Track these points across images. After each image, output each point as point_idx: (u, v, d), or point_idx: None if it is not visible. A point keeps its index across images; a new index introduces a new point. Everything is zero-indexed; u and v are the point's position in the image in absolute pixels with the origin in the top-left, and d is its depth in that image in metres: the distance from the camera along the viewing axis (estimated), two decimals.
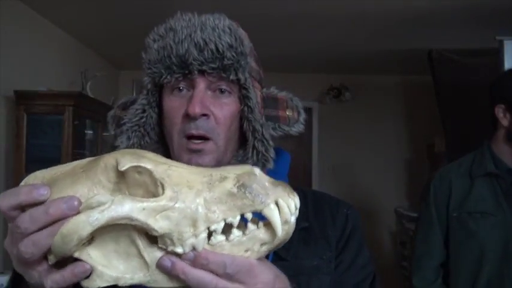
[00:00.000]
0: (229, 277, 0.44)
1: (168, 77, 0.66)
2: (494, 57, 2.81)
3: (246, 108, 0.70)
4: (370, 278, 0.73)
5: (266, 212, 0.45)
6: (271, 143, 0.71)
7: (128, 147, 0.71)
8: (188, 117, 0.66)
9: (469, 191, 1.45)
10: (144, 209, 0.42)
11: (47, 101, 2.75)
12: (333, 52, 3.98)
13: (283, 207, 0.45)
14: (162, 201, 0.42)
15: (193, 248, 0.44)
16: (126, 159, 0.44)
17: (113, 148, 0.69)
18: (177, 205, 0.43)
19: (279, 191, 0.46)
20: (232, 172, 0.46)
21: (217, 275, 0.44)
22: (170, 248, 0.43)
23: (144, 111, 0.72)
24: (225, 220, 0.44)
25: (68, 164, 0.49)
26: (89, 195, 0.43)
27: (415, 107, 4.77)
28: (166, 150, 0.72)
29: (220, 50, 0.65)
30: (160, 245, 0.44)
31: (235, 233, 0.46)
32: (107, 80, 4.01)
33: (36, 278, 0.45)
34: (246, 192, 0.45)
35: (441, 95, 3.54)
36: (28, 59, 2.87)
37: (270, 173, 0.67)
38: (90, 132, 3.28)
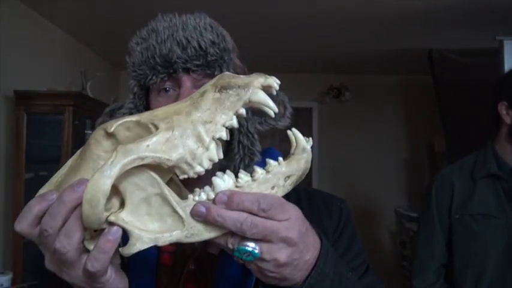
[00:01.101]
0: (263, 213, 0.45)
1: (154, 77, 0.67)
2: (494, 57, 2.81)
3: None
4: (363, 266, 0.74)
5: (254, 98, 0.46)
6: (256, 136, 0.72)
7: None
8: None
9: (471, 192, 1.44)
10: (148, 145, 0.43)
11: (47, 101, 2.74)
12: (333, 52, 3.98)
13: (298, 136, 0.50)
14: (160, 133, 0.44)
15: (210, 160, 0.45)
16: (112, 122, 0.45)
17: None
18: (175, 132, 0.44)
19: (255, 77, 0.47)
20: (208, 84, 0.48)
21: (251, 213, 0.45)
22: (191, 172, 0.45)
23: (131, 114, 0.71)
24: (224, 125, 0.46)
25: (63, 167, 0.50)
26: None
27: (415, 107, 4.77)
28: None
29: (203, 47, 0.66)
30: (181, 176, 0.45)
31: (259, 171, 0.48)
32: (107, 80, 4.01)
33: (80, 276, 0.45)
34: (229, 91, 0.46)
35: (441, 95, 3.55)
36: (28, 59, 2.86)
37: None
38: (90, 132, 3.27)
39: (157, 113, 0.46)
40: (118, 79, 4.68)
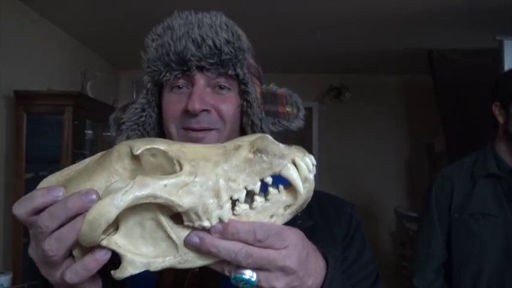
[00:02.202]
0: (259, 243, 0.44)
1: (167, 74, 0.66)
2: (494, 57, 2.81)
3: (245, 103, 0.70)
4: (373, 275, 0.73)
5: (285, 173, 0.45)
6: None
7: None
8: (188, 113, 0.66)
9: (470, 192, 1.45)
10: (166, 185, 0.41)
11: (47, 101, 2.75)
12: (333, 52, 3.98)
13: (301, 165, 0.45)
14: (181, 176, 0.42)
15: (220, 220, 0.43)
16: (140, 143, 0.44)
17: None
18: (197, 179, 0.42)
19: (294, 151, 0.46)
20: (245, 140, 0.46)
21: (247, 243, 0.44)
22: (197, 223, 0.43)
23: (143, 110, 0.71)
24: (246, 188, 0.44)
25: (79, 163, 0.49)
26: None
27: (415, 107, 4.77)
28: None
29: (218, 46, 0.66)
30: (186, 223, 0.43)
31: (258, 199, 0.46)
32: (106, 80, 4.01)
33: (58, 279, 0.44)
34: (263, 156, 0.44)
35: (441, 95, 3.55)
36: (28, 59, 2.87)
37: None
38: (90, 132, 3.28)
39: (186, 150, 0.45)
40: (118, 79, 4.68)
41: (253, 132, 0.70)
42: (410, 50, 3.74)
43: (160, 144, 0.44)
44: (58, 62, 3.30)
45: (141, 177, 0.41)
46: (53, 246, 0.42)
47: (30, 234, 0.45)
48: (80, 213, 0.41)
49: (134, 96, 5.12)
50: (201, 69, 0.66)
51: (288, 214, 0.47)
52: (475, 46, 3.37)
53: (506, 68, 2.66)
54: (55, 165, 2.65)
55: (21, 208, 0.44)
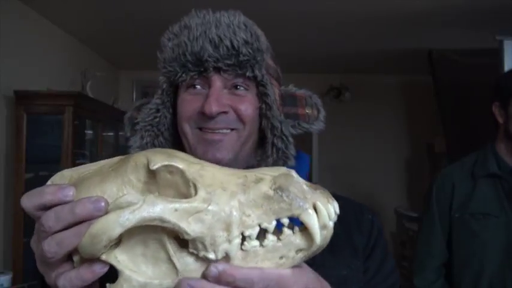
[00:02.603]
0: None
1: (183, 75, 0.65)
2: (494, 57, 2.81)
3: (264, 106, 0.68)
4: (396, 286, 0.72)
5: (304, 217, 0.42)
6: (291, 139, 0.70)
7: (140, 146, 0.70)
8: (204, 115, 0.64)
9: (471, 191, 1.45)
10: (176, 210, 0.39)
11: (47, 101, 2.75)
12: (333, 52, 3.98)
13: (322, 211, 0.42)
14: (195, 203, 0.40)
15: (226, 255, 0.41)
16: (158, 158, 0.42)
17: (125, 149, 0.69)
18: (210, 207, 0.40)
19: (318, 196, 0.43)
20: (268, 174, 0.43)
21: None
22: (202, 254, 0.41)
23: (158, 110, 0.70)
24: (259, 225, 0.42)
25: (96, 162, 0.47)
26: (118, 195, 0.41)
27: (415, 107, 4.77)
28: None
29: (236, 46, 0.64)
30: (191, 250, 0.41)
31: (270, 238, 0.43)
32: (106, 80, 4.01)
33: (53, 280, 0.43)
34: (283, 195, 0.42)
35: (441, 95, 3.55)
36: (28, 59, 2.87)
37: None
38: (90, 132, 3.28)
39: (205, 174, 0.42)
40: (118, 79, 4.68)
41: (274, 135, 0.69)
42: (410, 50, 3.74)
43: (179, 162, 0.42)
44: (58, 62, 3.30)
45: (151, 198, 0.39)
46: (53, 248, 0.41)
47: (35, 227, 0.45)
48: (86, 220, 0.40)
49: (134, 96, 5.09)
50: (217, 70, 0.65)
51: (298, 258, 0.44)
52: (475, 46, 3.37)
53: (506, 68, 2.66)
54: (55, 165, 2.65)
55: (29, 202, 0.43)
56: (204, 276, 0.41)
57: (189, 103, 0.67)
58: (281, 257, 0.43)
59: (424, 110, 4.58)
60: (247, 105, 0.67)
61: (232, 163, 0.65)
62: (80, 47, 3.69)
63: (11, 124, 2.69)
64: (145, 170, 0.42)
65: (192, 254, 0.41)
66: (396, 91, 4.84)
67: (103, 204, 0.40)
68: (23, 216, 2.57)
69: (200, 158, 0.61)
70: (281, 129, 0.69)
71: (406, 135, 4.88)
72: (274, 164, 0.69)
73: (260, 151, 0.71)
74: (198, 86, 0.67)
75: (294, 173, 0.44)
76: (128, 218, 0.38)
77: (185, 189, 0.42)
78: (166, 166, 0.42)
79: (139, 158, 0.43)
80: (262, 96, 0.68)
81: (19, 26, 2.77)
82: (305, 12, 2.96)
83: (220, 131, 0.66)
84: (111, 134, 3.66)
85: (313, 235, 0.42)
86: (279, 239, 0.43)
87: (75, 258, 0.42)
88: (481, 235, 1.41)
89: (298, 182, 0.43)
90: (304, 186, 0.43)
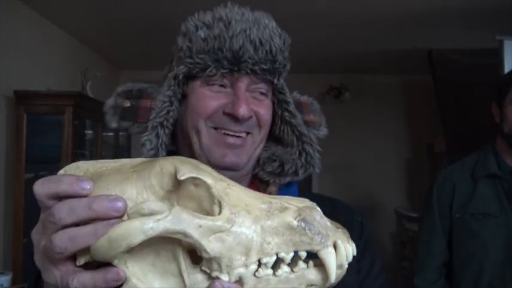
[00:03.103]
0: None
1: (214, 70, 0.62)
2: (494, 57, 2.81)
3: (286, 113, 0.69)
4: (385, 286, 0.73)
5: (323, 254, 0.41)
6: (317, 147, 0.73)
7: (156, 148, 0.66)
8: (230, 116, 0.63)
9: (471, 192, 1.46)
10: (200, 226, 0.38)
11: (47, 101, 2.75)
12: (333, 52, 3.98)
13: (341, 251, 0.42)
14: (219, 221, 0.39)
15: (239, 279, 0.40)
16: (186, 168, 0.40)
17: (127, 150, 0.67)
18: (233, 228, 0.39)
19: (339, 235, 0.43)
20: (293, 204, 0.43)
21: None
22: (215, 274, 0.40)
23: (171, 103, 0.66)
24: (277, 254, 0.41)
25: (115, 160, 0.45)
26: (137, 199, 0.40)
27: (415, 107, 4.77)
28: (175, 153, 0.69)
29: (273, 52, 0.64)
30: (203, 268, 0.40)
31: (284, 268, 0.42)
32: (106, 80, 4.01)
33: (55, 278, 0.41)
34: (306, 228, 0.41)
35: (441, 95, 3.55)
36: (28, 59, 2.87)
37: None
38: (90, 132, 3.28)
39: (231, 193, 0.41)
40: (118, 79, 4.68)
41: (303, 142, 0.70)
42: (410, 50, 3.74)
43: (207, 177, 0.41)
44: (58, 62, 3.30)
45: (178, 210, 0.38)
46: (64, 243, 0.38)
47: (40, 217, 0.42)
48: (101, 218, 0.38)
49: None
50: (247, 72, 0.63)
51: None
52: (475, 46, 3.37)
53: (507, 67, 2.66)
54: (55, 165, 2.65)
55: (43, 188, 0.40)
56: None
57: (209, 100, 0.64)
58: None
59: (424, 110, 4.58)
60: (266, 110, 0.67)
61: (245, 167, 0.66)
62: (80, 47, 3.69)
63: (11, 124, 2.69)
64: (169, 178, 0.41)
65: (204, 272, 0.40)
66: (396, 91, 4.84)
67: (121, 204, 0.38)
68: (23, 217, 2.58)
69: (213, 160, 0.63)
70: (310, 136, 0.71)
71: (406, 135, 4.88)
72: (302, 167, 0.70)
73: (282, 161, 0.71)
74: (223, 85, 0.64)
75: (318, 208, 0.44)
76: (151, 227, 0.36)
77: (208, 205, 0.41)
78: (193, 178, 0.40)
79: (166, 164, 0.41)
80: (282, 103, 0.69)
81: (19, 26, 2.77)
82: (305, 12, 2.95)
83: (240, 134, 0.65)
84: (111, 134, 3.66)
85: (329, 273, 0.42)
86: (292, 270, 0.42)
87: (83, 258, 0.40)
88: (481, 235, 1.41)
89: (322, 217, 0.43)
90: (328, 223, 0.43)
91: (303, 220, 0.41)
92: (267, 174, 0.72)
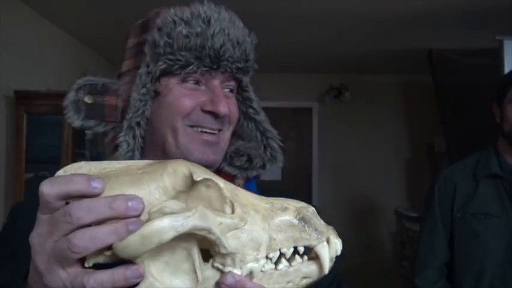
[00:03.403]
0: None
1: (195, 68, 0.62)
2: (494, 57, 2.81)
3: (251, 110, 0.71)
4: (342, 275, 0.74)
5: (319, 249, 0.46)
6: (279, 142, 0.74)
7: (133, 150, 0.64)
8: (210, 114, 0.64)
9: (473, 192, 1.46)
10: (221, 223, 0.41)
11: (47, 101, 2.74)
12: (333, 52, 3.98)
13: (333, 245, 0.47)
14: (235, 219, 0.42)
15: (250, 273, 0.43)
16: (199, 171, 0.43)
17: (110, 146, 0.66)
18: (246, 226, 0.42)
19: (331, 231, 0.47)
20: (292, 204, 0.47)
21: None
22: (228, 269, 0.42)
23: (145, 102, 0.64)
24: (280, 249, 0.45)
25: (118, 161, 0.46)
26: (150, 199, 0.41)
27: (415, 107, 4.77)
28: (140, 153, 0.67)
29: (247, 52, 0.66)
30: (216, 264, 0.42)
31: (284, 263, 0.46)
32: None
33: (62, 281, 0.40)
34: (306, 226, 0.45)
35: (441, 95, 3.55)
36: (28, 59, 2.86)
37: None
38: (90, 132, 3.27)
39: (239, 194, 0.44)
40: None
41: (267, 137, 0.72)
42: (410, 50, 3.74)
43: (218, 180, 0.44)
44: (58, 62, 3.30)
45: (202, 208, 0.40)
46: (84, 243, 0.38)
47: (42, 219, 0.41)
48: (120, 217, 0.38)
49: None
50: (224, 70, 0.64)
51: (302, 285, 0.47)
52: (475, 46, 3.37)
53: (507, 67, 2.66)
54: (55, 165, 2.65)
55: (53, 188, 0.39)
56: (219, 283, 0.42)
57: (188, 99, 0.64)
58: (288, 282, 0.46)
59: (424, 110, 4.58)
60: (235, 107, 0.69)
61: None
62: (80, 47, 3.69)
63: (11, 124, 2.69)
64: (182, 180, 0.43)
65: (215, 268, 0.43)
66: (396, 91, 4.84)
67: (141, 204, 0.39)
68: None
69: (193, 159, 0.62)
70: (273, 132, 0.73)
71: (406, 135, 4.88)
72: (269, 163, 0.73)
73: (245, 157, 0.73)
74: (197, 82, 0.65)
75: (311, 207, 0.48)
76: (182, 224, 0.38)
77: (218, 205, 0.43)
78: (207, 180, 0.42)
79: (179, 166, 0.43)
80: (246, 100, 0.71)
81: (19, 26, 2.77)
82: (305, 12, 2.95)
83: (215, 131, 0.66)
84: None
85: (323, 266, 0.46)
86: (290, 265, 0.46)
87: (92, 259, 0.40)
88: (482, 235, 1.41)
89: (317, 217, 0.47)
90: (322, 221, 0.48)
91: (302, 218, 0.45)
92: (235, 168, 0.73)
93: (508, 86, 1.43)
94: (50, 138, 2.80)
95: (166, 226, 0.38)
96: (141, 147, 0.67)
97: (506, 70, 2.58)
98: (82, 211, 0.38)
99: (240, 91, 0.71)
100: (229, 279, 0.41)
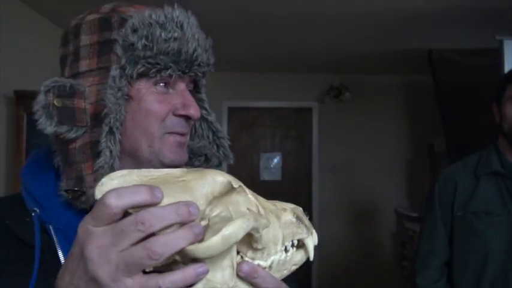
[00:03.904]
0: None
1: (172, 72, 0.62)
2: (494, 57, 2.81)
3: (203, 111, 0.74)
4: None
5: (307, 240, 0.55)
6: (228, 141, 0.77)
7: (114, 156, 0.62)
8: (183, 118, 0.66)
9: (474, 190, 1.46)
10: (260, 223, 0.47)
11: None
12: (333, 52, 3.98)
13: (315, 237, 0.57)
14: (264, 220, 0.48)
15: (272, 263, 0.51)
16: (234, 180, 0.49)
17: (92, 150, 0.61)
18: (270, 225, 0.50)
19: (311, 226, 0.57)
20: (287, 206, 0.55)
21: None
22: (257, 262, 0.49)
23: (121, 107, 0.62)
24: (283, 243, 0.52)
25: (155, 170, 0.48)
26: (204, 204, 0.47)
27: (415, 107, 4.78)
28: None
29: (210, 57, 0.68)
30: (247, 258, 0.49)
31: (284, 254, 0.53)
32: None
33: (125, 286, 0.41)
34: (300, 223, 0.54)
35: (441, 95, 3.55)
36: (28, 59, 2.87)
37: None
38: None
39: (258, 198, 0.51)
40: None
41: (218, 137, 0.75)
42: (410, 50, 3.74)
43: (244, 187, 0.50)
44: (58, 62, 3.30)
45: (254, 213, 0.47)
46: (162, 249, 0.40)
47: (98, 231, 0.41)
48: (181, 223, 0.42)
49: None
50: (197, 74, 0.67)
51: (291, 271, 0.55)
52: (475, 46, 3.37)
53: (507, 68, 2.66)
54: None
55: (123, 200, 0.41)
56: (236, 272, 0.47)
57: (162, 104, 0.64)
58: (285, 269, 0.53)
59: (424, 110, 4.58)
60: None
61: None
62: None
63: (11, 124, 2.69)
64: (219, 187, 0.47)
65: (246, 262, 0.49)
66: (396, 91, 4.85)
67: (198, 210, 0.43)
68: None
69: (169, 162, 0.65)
70: (223, 131, 0.75)
71: (406, 135, 4.88)
72: (224, 161, 0.75)
73: (203, 156, 0.75)
74: (167, 85, 0.65)
75: (299, 208, 0.57)
76: (247, 225, 0.44)
77: (244, 208, 0.48)
78: (240, 186, 0.49)
79: (217, 175, 0.48)
80: (199, 101, 0.72)
81: (19, 26, 2.77)
82: (305, 12, 2.96)
83: (185, 133, 0.68)
84: None
85: (309, 253, 0.56)
86: (287, 255, 0.53)
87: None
88: (483, 234, 1.41)
89: (304, 215, 0.56)
90: (306, 218, 0.56)
91: (297, 217, 0.54)
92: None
93: (506, 85, 1.43)
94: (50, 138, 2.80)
95: (241, 227, 0.43)
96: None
97: (506, 70, 2.58)
98: (154, 219, 0.41)
99: (193, 92, 0.72)
100: (245, 268, 0.47)
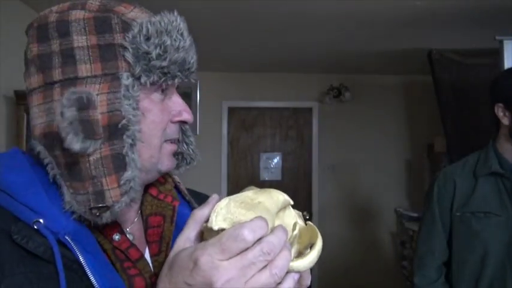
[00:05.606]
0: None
1: (178, 79, 0.63)
2: (494, 57, 2.81)
3: None
4: None
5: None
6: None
7: (139, 168, 0.61)
8: (180, 124, 0.67)
9: (472, 190, 1.45)
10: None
11: None
12: (333, 52, 3.98)
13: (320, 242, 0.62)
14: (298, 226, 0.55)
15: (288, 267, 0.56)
16: (289, 197, 0.56)
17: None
18: (297, 227, 0.55)
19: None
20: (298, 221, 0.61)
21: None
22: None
23: (137, 116, 0.61)
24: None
25: (240, 195, 0.54)
26: (272, 223, 0.52)
27: (415, 107, 4.78)
28: None
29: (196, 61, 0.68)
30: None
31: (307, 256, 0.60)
32: None
33: None
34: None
35: (441, 95, 3.55)
36: None
37: None
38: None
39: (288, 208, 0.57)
40: None
41: (187, 136, 0.75)
42: (410, 50, 3.74)
43: (297, 215, 0.57)
44: None
45: (300, 225, 0.55)
46: (281, 273, 0.47)
47: (227, 265, 0.46)
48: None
49: None
50: (191, 81, 0.67)
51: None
52: (475, 46, 3.37)
53: (506, 67, 2.66)
54: None
55: (255, 236, 0.47)
56: None
57: (164, 113, 0.64)
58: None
59: (424, 110, 4.59)
60: None
61: None
62: None
63: (11, 124, 2.69)
64: (281, 204, 0.54)
65: None
66: (396, 91, 4.85)
67: (286, 233, 0.50)
68: None
69: (167, 168, 0.66)
70: (189, 130, 0.75)
71: (406, 135, 4.88)
72: (195, 159, 0.76)
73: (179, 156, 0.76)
74: (162, 91, 0.64)
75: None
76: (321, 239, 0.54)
77: (292, 221, 0.55)
78: (289, 203, 0.56)
79: (278, 195, 0.54)
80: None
81: (19, 26, 2.77)
82: (305, 12, 2.96)
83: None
84: None
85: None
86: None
87: None
88: (482, 234, 1.41)
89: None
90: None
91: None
92: (175, 168, 0.77)
93: None
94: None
95: (321, 240, 0.54)
96: None
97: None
98: (276, 248, 0.47)
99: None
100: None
